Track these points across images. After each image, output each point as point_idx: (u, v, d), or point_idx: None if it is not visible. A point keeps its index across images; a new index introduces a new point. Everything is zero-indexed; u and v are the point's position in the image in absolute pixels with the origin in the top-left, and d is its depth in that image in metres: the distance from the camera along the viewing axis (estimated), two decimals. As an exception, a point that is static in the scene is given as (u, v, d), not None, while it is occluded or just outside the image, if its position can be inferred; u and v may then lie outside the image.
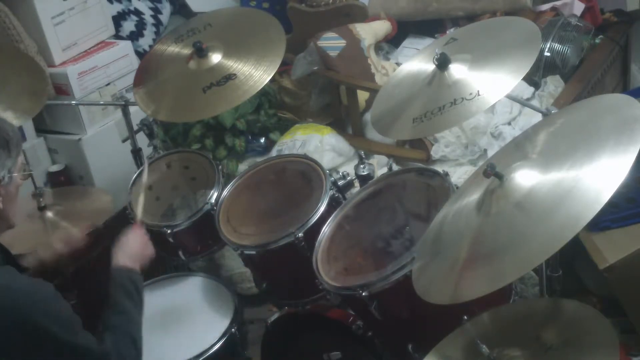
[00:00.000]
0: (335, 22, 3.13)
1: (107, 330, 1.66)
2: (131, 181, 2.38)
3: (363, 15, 3.21)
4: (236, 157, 3.05)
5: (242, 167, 3.01)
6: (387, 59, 3.18)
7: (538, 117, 1.86)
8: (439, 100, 1.75)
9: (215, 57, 2.23)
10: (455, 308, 1.45)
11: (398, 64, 3.07)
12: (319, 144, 2.83)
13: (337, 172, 2.17)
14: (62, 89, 2.98)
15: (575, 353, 1.39)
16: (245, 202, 2.17)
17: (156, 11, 3.49)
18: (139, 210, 2.04)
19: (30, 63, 2.57)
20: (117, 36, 3.28)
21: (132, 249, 1.87)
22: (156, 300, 2.28)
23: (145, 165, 2.21)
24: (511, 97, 2.02)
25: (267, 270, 2.13)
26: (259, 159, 2.63)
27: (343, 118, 3.11)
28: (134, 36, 3.36)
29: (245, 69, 2.18)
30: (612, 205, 2.17)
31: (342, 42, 2.99)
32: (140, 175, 2.29)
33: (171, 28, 3.32)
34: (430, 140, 2.77)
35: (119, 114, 2.75)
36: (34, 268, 1.95)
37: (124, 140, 2.58)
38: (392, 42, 3.29)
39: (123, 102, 2.54)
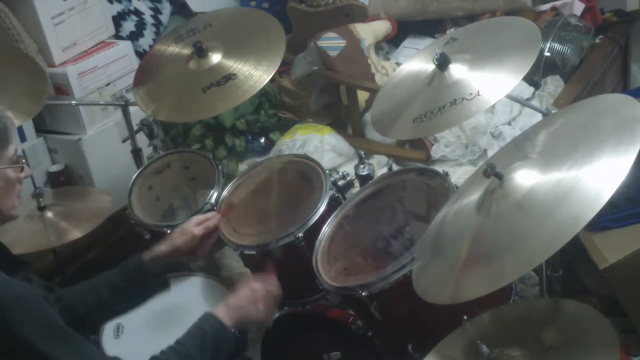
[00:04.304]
0: (335, 22, 3.14)
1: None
2: (131, 181, 2.38)
3: (363, 15, 3.21)
4: (236, 157, 3.05)
5: (242, 167, 3.01)
6: (387, 59, 3.18)
7: (538, 117, 1.86)
8: (439, 100, 1.75)
9: (215, 57, 2.23)
10: (455, 308, 1.45)
11: (398, 64, 3.07)
12: (319, 144, 2.83)
13: (337, 172, 2.17)
14: (62, 89, 2.98)
15: (575, 353, 1.39)
16: (245, 202, 2.17)
17: (156, 11, 3.49)
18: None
19: (30, 63, 2.56)
20: (117, 36, 3.28)
21: (241, 300, 1.73)
22: (156, 300, 2.27)
23: None
24: (511, 97, 2.02)
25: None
26: (259, 159, 2.63)
27: (343, 118, 3.11)
28: (134, 36, 3.36)
29: (245, 69, 2.17)
30: (612, 205, 2.16)
31: (342, 42, 2.99)
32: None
33: (171, 28, 3.32)
34: (430, 140, 2.77)
35: (119, 114, 2.75)
36: (168, 256, 1.86)
37: (124, 140, 2.58)
38: (392, 42, 3.29)
39: (123, 102, 2.54)
